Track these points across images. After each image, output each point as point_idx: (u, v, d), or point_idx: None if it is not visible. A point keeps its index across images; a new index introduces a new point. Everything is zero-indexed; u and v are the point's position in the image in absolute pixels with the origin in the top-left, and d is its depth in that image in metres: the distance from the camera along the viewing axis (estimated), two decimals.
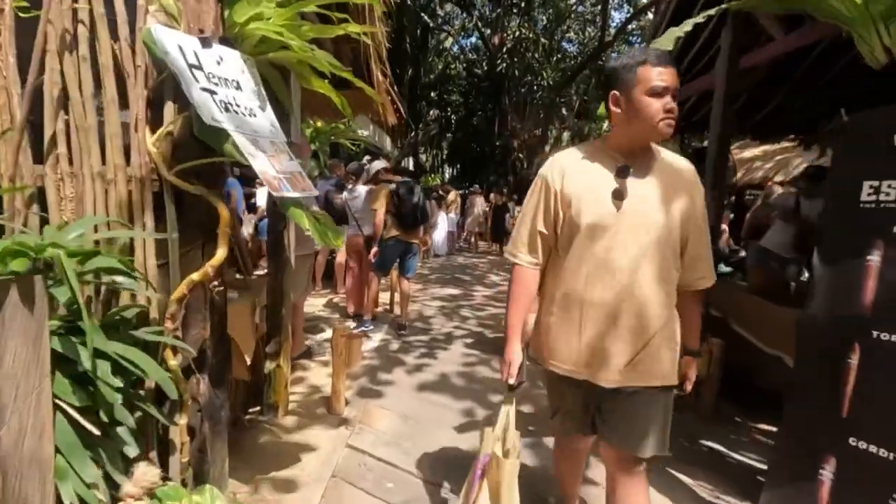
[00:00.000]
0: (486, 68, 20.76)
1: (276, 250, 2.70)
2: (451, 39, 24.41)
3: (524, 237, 1.49)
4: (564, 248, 1.43)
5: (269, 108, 1.66)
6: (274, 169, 1.45)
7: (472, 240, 13.23)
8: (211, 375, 1.62)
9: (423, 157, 34.29)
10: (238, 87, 1.51)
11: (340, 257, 5.77)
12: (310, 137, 6.63)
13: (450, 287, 7.39)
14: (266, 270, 2.92)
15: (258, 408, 2.76)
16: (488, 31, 19.78)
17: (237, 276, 2.96)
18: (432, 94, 25.86)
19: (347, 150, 9.60)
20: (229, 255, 2.89)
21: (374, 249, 4.54)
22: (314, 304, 5.46)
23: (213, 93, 1.37)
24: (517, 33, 16.41)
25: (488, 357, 4.03)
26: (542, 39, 16.43)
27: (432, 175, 31.81)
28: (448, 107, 24.50)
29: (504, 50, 17.04)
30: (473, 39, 26.33)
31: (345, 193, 4.90)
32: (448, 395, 3.22)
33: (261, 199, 6.42)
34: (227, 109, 1.39)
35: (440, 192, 13.92)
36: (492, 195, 14.09)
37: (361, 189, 4.81)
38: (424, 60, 23.08)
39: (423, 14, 20.78)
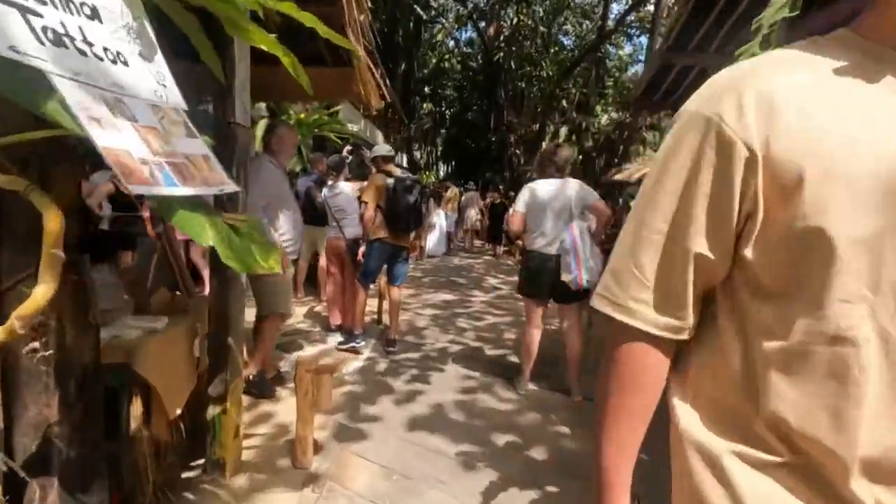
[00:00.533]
0: (481, 61, 20.18)
1: (220, 262, 2.10)
2: (444, 32, 23.80)
3: (649, 266, 0.64)
4: (770, 298, 0.59)
5: (159, 58, 1.08)
6: (146, 147, 0.87)
7: (469, 238, 12.60)
8: (69, 473, 1.04)
9: (417, 153, 33.74)
10: (94, 17, 0.93)
11: (324, 260, 5.19)
12: None
13: (444, 292, 6.82)
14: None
15: (202, 461, 2.19)
16: (483, 24, 19.20)
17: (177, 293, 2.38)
18: (426, 88, 25.24)
19: (334, 145, 9.00)
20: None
21: (362, 249, 3.97)
22: (294, 315, 4.87)
23: (28, 11, 0.79)
24: (515, 20, 15.79)
25: (489, 381, 3.45)
26: (541, 27, 15.81)
27: (427, 172, 31.24)
28: (442, 101, 23.88)
29: (501, 38, 16.40)
30: (468, 33, 25.81)
31: (325, 191, 4.31)
32: (444, 436, 2.65)
33: None
34: (57, 42, 0.81)
35: (439, 189, 13.38)
36: (488, 194, 13.46)
37: (343, 185, 4.23)
38: (417, 54, 22.46)
39: (415, 6, 20.17)
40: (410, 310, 5.56)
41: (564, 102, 16.47)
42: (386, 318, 4.56)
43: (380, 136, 18.44)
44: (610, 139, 18.80)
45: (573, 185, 3.11)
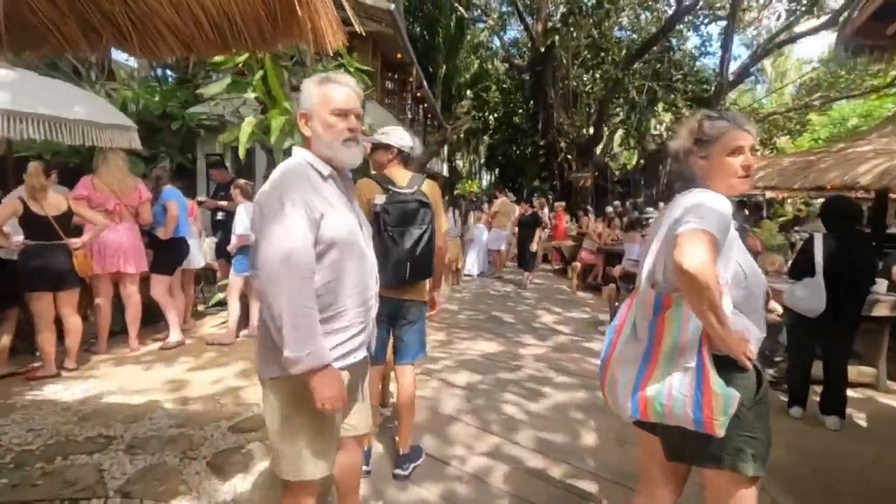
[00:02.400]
0: (528, 60, 18.46)
1: None
2: (488, 32, 22.33)
3: None
4: None
5: None
6: None
7: (498, 260, 10.14)
8: None
9: (459, 162, 32.28)
10: None
11: None
12: (275, 129, 4.57)
13: (485, 336, 5.15)
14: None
15: None
16: (530, 20, 17.49)
17: None
18: (468, 93, 23.80)
19: None
20: None
21: None
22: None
23: None
24: None
25: None
26: (606, 3, 13.74)
27: (469, 181, 29.72)
28: (485, 106, 22.30)
29: (557, 18, 14.25)
30: (513, 32, 24.23)
31: None
32: None
33: (240, 220, 4.41)
34: None
35: (474, 199, 11.72)
36: (522, 204, 11.30)
37: None
38: (457, 55, 21.07)
39: (457, 5, 18.80)
40: (435, 374, 3.92)
41: (634, 94, 14.31)
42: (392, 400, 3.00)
43: (417, 143, 17.01)
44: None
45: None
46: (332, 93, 1.46)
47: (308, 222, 1.33)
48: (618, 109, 17.18)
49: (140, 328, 4.32)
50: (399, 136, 2.41)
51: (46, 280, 3.49)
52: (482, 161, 31.56)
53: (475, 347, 4.78)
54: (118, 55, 8.45)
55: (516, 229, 9.43)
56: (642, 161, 18.30)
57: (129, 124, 4.30)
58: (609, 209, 9.84)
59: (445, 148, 20.89)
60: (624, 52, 14.87)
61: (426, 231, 2.29)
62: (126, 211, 4.14)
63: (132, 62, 9.83)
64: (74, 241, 3.62)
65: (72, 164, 5.38)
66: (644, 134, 16.71)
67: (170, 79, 7.79)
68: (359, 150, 1.50)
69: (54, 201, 3.55)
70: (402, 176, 2.36)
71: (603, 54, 15.07)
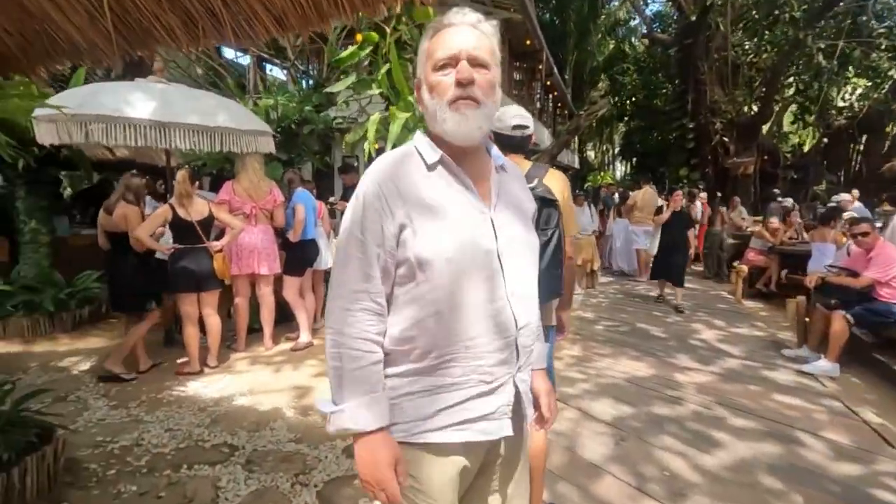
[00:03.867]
0: (674, 33, 16.37)
1: None
2: (627, 7, 20.47)
3: None
4: None
5: None
6: None
7: (641, 260, 8.50)
8: None
9: (590, 153, 30.37)
10: None
11: None
12: (396, 126, 4.34)
13: (629, 355, 4.38)
14: None
15: None
16: None
17: None
18: (602, 76, 22.12)
19: None
20: None
21: None
22: None
23: None
24: None
25: None
26: None
27: (601, 173, 27.77)
28: (622, 90, 20.46)
29: None
30: (655, 6, 21.92)
31: None
32: None
33: None
34: None
35: (615, 191, 10.66)
36: (676, 195, 9.51)
37: None
38: (590, 38, 19.64)
39: None
40: (572, 400, 3.33)
41: (820, 58, 11.66)
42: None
43: (546, 134, 16.19)
44: (870, 114, 13.25)
45: None
46: (434, 41, 1.01)
47: (373, 236, 0.97)
48: (791, 79, 14.34)
49: (274, 327, 4.44)
50: (518, 116, 1.88)
51: (190, 281, 3.68)
52: (616, 150, 29.27)
53: (618, 367, 4.06)
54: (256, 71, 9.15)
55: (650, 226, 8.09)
56: (824, 140, 15.11)
57: (265, 130, 4.42)
58: (789, 201, 8.11)
59: (576, 138, 19.64)
60: (805, 7, 12.20)
61: (552, 237, 1.75)
62: (262, 214, 4.25)
63: (277, 73, 10.72)
64: (214, 245, 3.77)
65: (225, 172, 5.83)
66: (826, 107, 13.70)
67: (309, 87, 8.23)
68: (477, 113, 0.99)
69: (199, 207, 3.73)
70: (518, 164, 1.83)
71: (776, 12, 12.54)
